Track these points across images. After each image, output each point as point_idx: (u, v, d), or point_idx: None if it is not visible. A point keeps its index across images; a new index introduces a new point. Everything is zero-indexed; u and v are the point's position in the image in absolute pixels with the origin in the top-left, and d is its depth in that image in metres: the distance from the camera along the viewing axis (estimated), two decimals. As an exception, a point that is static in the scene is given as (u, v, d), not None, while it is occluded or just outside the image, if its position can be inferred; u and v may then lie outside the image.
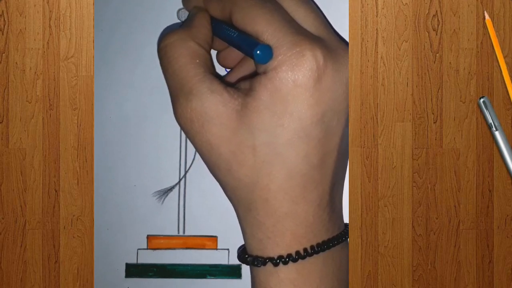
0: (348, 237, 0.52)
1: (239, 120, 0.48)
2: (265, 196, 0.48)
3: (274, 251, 0.49)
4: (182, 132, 0.59)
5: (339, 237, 0.51)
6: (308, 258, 0.49)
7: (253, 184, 0.49)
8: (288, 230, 0.49)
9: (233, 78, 0.55)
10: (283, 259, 0.49)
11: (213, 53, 0.56)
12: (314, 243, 0.50)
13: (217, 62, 0.56)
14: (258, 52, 0.47)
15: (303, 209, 0.49)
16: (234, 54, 0.55)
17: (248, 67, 0.55)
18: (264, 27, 0.48)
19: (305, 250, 0.49)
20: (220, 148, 0.49)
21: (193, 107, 0.49)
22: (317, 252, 0.49)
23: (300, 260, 0.49)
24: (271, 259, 0.49)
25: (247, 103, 0.48)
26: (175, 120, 0.60)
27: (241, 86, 0.50)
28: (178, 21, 0.60)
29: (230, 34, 0.51)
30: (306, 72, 0.47)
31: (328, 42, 0.49)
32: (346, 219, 0.59)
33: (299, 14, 0.51)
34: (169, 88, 0.51)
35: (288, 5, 0.51)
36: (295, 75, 0.47)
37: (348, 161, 0.52)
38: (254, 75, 0.52)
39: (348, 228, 0.53)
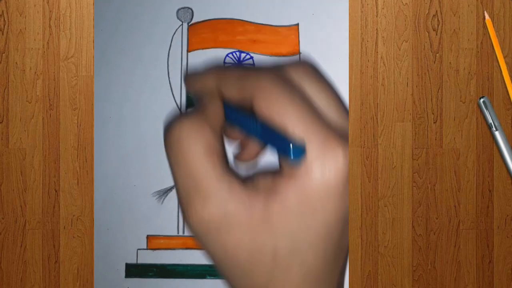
0: None
1: (261, 224, 0.44)
2: None
3: None
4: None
5: None
6: None
7: (266, 286, 0.47)
8: None
9: (242, 159, 0.52)
10: None
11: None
12: None
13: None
14: (292, 150, 0.43)
15: None
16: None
17: (254, 144, 0.52)
18: (293, 120, 0.44)
19: None
20: (237, 253, 0.45)
21: (211, 211, 0.44)
22: None
23: None
24: None
25: (270, 207, 0.44)
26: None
27: (260, 182, 0.46)
28: (178, 21, 0.60)
29: (251, 125, 0.46)
30: (339, 172, 0.44)
31: (347, 135, 0.48)
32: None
33: (322, 100, 0.47)
34: (178, 186, 0.45)
35: (309, 90, 0.47)
36: (327, 177, 0.44)
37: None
38: (272, 169, 0.49)
39: None
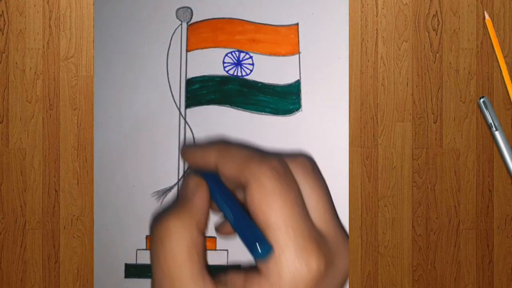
0: None
1: None
2: None
3: None
4: (182, 133, 0.59)
5: None
6: None
7: None
8: None
9: (222, 232, 0.53)
10: None
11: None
12: None
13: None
14: (258, 247, 0.44)
15: None
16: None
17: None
18: (278, 222, 0.45)
19: None
20: None
21: None
22: None
23: None
24: None
25: None
26: (174, 120, 0.60)
27: (232, 279, 0.46)
28: (177, 20, 0.60)
29: (228, 216, 0.48)
30: (308, 280, 0.45)
31: (331, 241, 0.48)
32: (346, 220, 0.59)
33: (312, 198, 0.47)
34: (155, 278, 0.46)
35: (304, 187, 0.48)
36: (295, 283, 0.45)
37: None
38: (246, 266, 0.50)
39: None
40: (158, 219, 0.46)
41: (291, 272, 0.45)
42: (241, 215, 0.47)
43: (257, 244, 0.44)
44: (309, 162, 0.50)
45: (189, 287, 0.45)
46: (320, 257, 0.45)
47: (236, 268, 0.49)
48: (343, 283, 0.48)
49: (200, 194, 0.48)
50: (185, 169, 0.60)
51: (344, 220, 0.59)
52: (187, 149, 0.51)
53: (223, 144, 0.50)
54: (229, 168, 0.48)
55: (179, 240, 0.45)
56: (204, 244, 0.46)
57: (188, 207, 0.47)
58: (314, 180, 0.49)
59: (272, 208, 0.45)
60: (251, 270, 0.46)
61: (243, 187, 0.46)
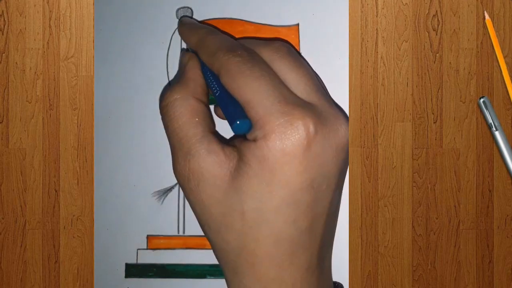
0: None
1: (231, 184, 0.48)
2: (251, 261, 0.48)
3: None
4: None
5: None
6: None
7: (239, 249, 0.48)
8: None
9: (219, 114, 0.56)
10: None
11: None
12: None
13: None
14: (237, 124, 0.48)
15: (291, 274, 0.48)
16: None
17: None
18: (250, 96, 0.48)
19: None
20: (211, 209, 0.48)
21: (190, 167, 0.49)
22: None
23: None
24: None
25: (239, 168, 0.48)
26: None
27: (236, 142, 0.50)
28: (177, 20, 0.60)
29: (213, 91, 0.51)
30: (295, 141, 0.46)
31: (319, 108, 0.49)
32: (346, 220, 0.59)
33: (291, 78, 0.50)
34: (170, 146, 0.51)
35: (280, 68, 0.50)
36: (283, 144, 0.46)
37: (337, 221, 0.52)
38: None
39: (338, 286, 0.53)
40: (162, 93, 0.53)
41: (278, 137, 0.47)
42: (225, 92, 0.50)
43: (234, 122, 0.48)
44: (284, 47, 0.52)
45: (194, 147, 0.49)
46: (306, 117, 0.47)
47: (238, 136, 0.51)
48: (344, 151, 0.48)
49: (190, 66, 0.53)
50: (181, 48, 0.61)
51: (344, 220, 0.59)
52: (182, 25, 0.57)
53: (203, 31, 0.54)
54: (203, 58, 0.52)
55: (179, 108, 0.50)
56: (207, 112, 0.51)
57: (182, 80, 0.52)
58: (290, 61, 0.51)
59: (244, 87, 0.48)
60: (245, 143, 0.49)
61: (218, 76, 0.50)
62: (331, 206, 0.49)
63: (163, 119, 0.51)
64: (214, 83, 0.51)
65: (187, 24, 0.57)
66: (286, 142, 0.46)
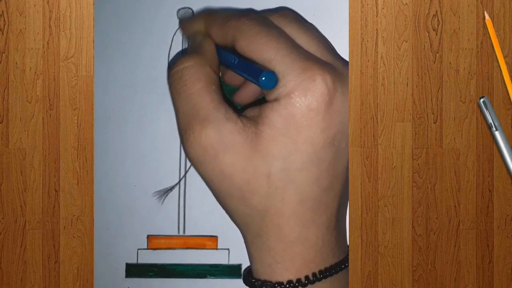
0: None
1: (254, 148, 0.47)
2: (277, 221, 0.48)
3: (283, 276, 0.49)
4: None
5: (345, 261, 0.51)
6: (316, 283, 0.49)
7: (265, 211, 0.48)
8: (298, 254, 0.49)
9: (240, 99, 0.55)
10: (292, 284, 0.49)
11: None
12: (322, 268, 0.49)
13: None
14: (263, 78, 0.47)
15: (313, 233, 0.49)
16: (237, 76, 0.55)
17: (253, 87, 0.55)
18: (271, 55, 0.48)
19: (314, 274, 0.49)
20: (233, 178, 0.48)
21: (208, 134, 0.47)
22: (325, 277, 0.49)
23: (309, 285, 0.49)
24: (280, 284, 0.49)
25: (261, 132, 0.47)
26: (175, 120, 0.60)
27: (248, 113, 0.49)
28: (178, 20, 0.60)
29: (231, 61, 0.50)
30: (318, 97, 0.47)
31: (335, 66, 0.49)
32: (346, 220, 0.59)
33: (303, 40, 0.50)
34: (179, 114, 0.50)
35: (291, 32, 0.50)
36: (308, 100, 0.47)
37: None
38: (259, 99, 0.52)
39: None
40: (174, 62, 0.51)
41: (303, 93, 0.47)
42: (242, 59, 0.49)
43: (262, 75, 0.47)
44: (291, 13, 0.52)
45: (212, 112, 0.48)
46: (325, 73, 0.47)
47: (251, 106, 0.50)
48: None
49: (206, 41, 0.52)
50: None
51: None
52: (182, 22, 0.57)
53: (206, 12, 0.54)
54: (215, 33, 0.52)
55: (195, 73, 0.49)
56: (220, 84, 0.51)
57: (199, 50, 0.52)
58: (299, 25, 0.51)
59: (262, 47, 0.48)
60: (266, 105, 0.48)
61: (233, 46, 0.50)
62: (348, 165, 0.50)
63: (175, 85, 0.50)
64: (230, 54, 0.51)
65: (187, 18, 0.57)
66: (310, 98, 0.47)
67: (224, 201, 0.50)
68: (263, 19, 0.50)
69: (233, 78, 0.55)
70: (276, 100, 0.48)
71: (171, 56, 0.60)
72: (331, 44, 0.55)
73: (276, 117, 0.47)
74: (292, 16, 0.52)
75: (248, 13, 0.51)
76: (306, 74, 0.47)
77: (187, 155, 0.49)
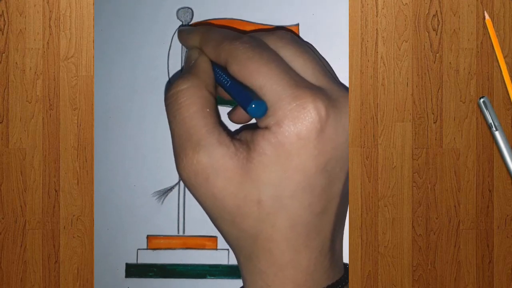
0: (348, 281, 0.52)
1: (245, 174, 0.47)
2: (267, 246, 0.48)
3: None
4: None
5: (339, 282, 0.51)
6: None
7: (256, 235, 0.48)
8: (288, 279, 0.48)
9: (236, 118, 0.55)
10: None
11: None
12: None
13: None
14: (253, 106, 0.47)
15: (305, 257, 0.48)
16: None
17: None
18: (262, 82, 0.47)
19: None
20: (224, 202, 0.48)
21: (199, 159, 0.47)
22: None
23: None
24: None
25: (252, 158, 0.47)
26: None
27: (243, 136, 0.49)
28: (178, 21, 0.60)
29: (224, 82, 0.50)
30: (309, 125, 0.46)
31: (329, 91, 0.49)
32: (346, 220, 0.59)
33: (298, 63, 0.50)
34: (174, 138, 0.50)
35: (286, 55, 0.50)
36: (297, 129, 0.46)
37: (348, 204, 0.52)
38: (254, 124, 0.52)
39: (348, 268, 0.53)
40: (170, 83, 0.51)
41: (292, 122, 0.46)
42: (234, 81, 0.49)
43: (251, 103, 0.47)
44: (287, 34, 0.52)
45: (205, 137, 0.48)
46: (317, 100, 0.47)
47: (246, 128, 0.50)
48: (348, 140, 0.50)
49: (200, 60, 0.52)
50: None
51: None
52: (180, 32, 0.57)
53: (204, 28, 0.54)
54: (209, 52, 0.52)
55: (190, 96, 0.49)
56: (215, 104, 0.50)
57: (193, 71, 0.51)
58: (295, 47, 0.51)
59: (254, 73, 0.48)
60: (257, 131, 0.48)
61: (225, 67, 0.50)
62: (344, 188, 0.50)
63: (170, 108, 0.50)
64: (223, 75, 0.51)
65: (185, 30, 0.57)
66: (299, 126, 0.46)
67: (217, 222, 0.50)
68: (257, 42, 0.50)
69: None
70: (266, 127, 0.47)
71: (171, 56, 0.60)
72: (330, 67, 0.54)
73: (266, 145, 0.47)
74: (288, 38, 0.51)
75: (242, 36, 0.50)
76: (296, 102, 0.47)
77: (180, 177, 0.49)
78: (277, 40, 0.51)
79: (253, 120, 0.55)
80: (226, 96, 0.54)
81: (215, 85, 0.52)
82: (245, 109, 0.48)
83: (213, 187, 0.48)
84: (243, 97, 0.48)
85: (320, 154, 0.47)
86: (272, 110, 0.47)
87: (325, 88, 0.49)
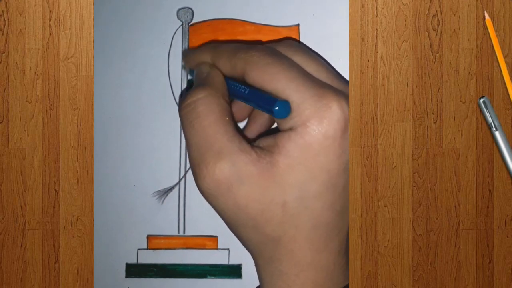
0: None
1: (269, 179, 0.47)
2: (290, 247, 0.48)
3: None
4: (182, 132, 0.59)
5: None
6: None
7: (279, 238, 0.48)
8: (309, 279, 0.48)
9: (250, 133, 0.55)
10: None
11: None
12: None
13: None
14: (277, 108, 0.47)
15: (326, 257, 0.49)
16: (245, 108, 0.54)
17: (261, 119, 0.54)
18: (285, 84, 0.48)
19: None
20: (248, 208, 0.48)
21: (222, 168, 0.47)
22: None
23: None
24: None
25: (276, 161, 0.47)
26: (175, 120, 0.60)
27: (261, 143, 0.49)
28: (178, 21, 0.60)
29: (241, 91, 0.50)
30: (335, 124, 0.47)
31: (346, 93, 0.50)
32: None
33: (312, 68, 0.51)
34: (191, 147, 0.49)
35: (299, 61, 0.50)
36: (324, 128, 0.47)
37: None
38: (271, 130, 0.52)
39: None
40: (186, 93, 0.50)
41: (318, 121, 0.47)
42: (252, 88, 0.49)
43: (275, 104, 0.47)
44: (294, 42, 0.52)
45: (226, 145, 0.47)
46: (340, 99, 0.48)
47: (264, 136, 0.50)
48: None
49: (214, 72, 0.52)
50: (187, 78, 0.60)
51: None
52: (187, 54, 0.56)
53: (211, 45, 0.54)
54: (223, 65, 0.51)
55: (209, 105, 0.48)
56: (232, 114, 0.50)
57: (208, 82, 0.51)
58: (305, 54, 0.51)
59: (275, 76, 0.48)
60: (278, 131, 0.48)
61: (242, 77, 0.50)
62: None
63: (187, 117, 0.49)
64: (238, 84, 0.50)
65: (191, 51, 0.56)
66: (326, 125, 0.47)
67: (237, 230, 0.49)
68: (271, 49, 0.50)
69: (238, 113, 0.54)
70: (291, 129, 0.47)
71: (171, 56, 0.60)
72: (337, 71, 0.55)
73: (292, 147, 0.47)
74: (297, 45, 0.52)
75: (255, 46, 0.51)
76: (322, 102, 0.47)
77: (199, 188, 0.48)
78: (287, 48, 0.51)
79: (257, 118, 0.55)
80: (237, 118, 0.54)
81: (227, 90, 0.52)
82: (269, 112, 0.48)
83: (236, 195, 0.47)
84: (266, 100, 0.48)
85: (343, 153, 0.48)
86: (297, 111, 0.47)
87: (342, 89, 0.50)
